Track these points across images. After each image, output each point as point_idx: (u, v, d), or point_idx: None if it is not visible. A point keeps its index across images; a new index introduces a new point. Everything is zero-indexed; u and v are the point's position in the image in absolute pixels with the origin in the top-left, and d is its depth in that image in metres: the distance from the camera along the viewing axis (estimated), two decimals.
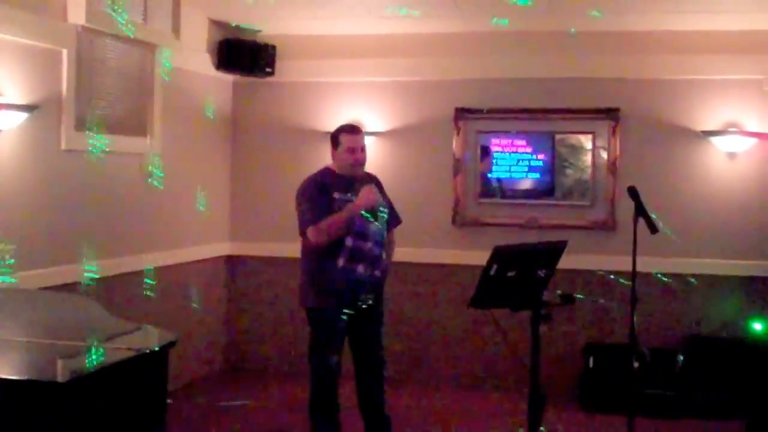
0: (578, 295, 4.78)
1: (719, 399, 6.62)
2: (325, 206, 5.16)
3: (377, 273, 5.29)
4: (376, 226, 5.24)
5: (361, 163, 5.35)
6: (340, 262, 5.17)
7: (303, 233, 5.25)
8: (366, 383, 5.47)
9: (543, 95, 7.29)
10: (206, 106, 7.33)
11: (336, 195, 5.21)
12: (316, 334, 5.33)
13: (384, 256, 5.34)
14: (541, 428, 4.53)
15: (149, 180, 6.53)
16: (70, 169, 5.72)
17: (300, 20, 7.36)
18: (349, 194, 5.22)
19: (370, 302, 5.33)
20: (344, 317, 5.24)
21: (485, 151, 7.44)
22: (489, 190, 7.46)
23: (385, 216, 5.36)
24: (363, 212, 5.15)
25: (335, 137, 5.41)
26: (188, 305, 7.19)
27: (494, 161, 7.41)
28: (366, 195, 5.15)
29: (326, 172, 5.42)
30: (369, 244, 5.22)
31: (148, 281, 6.43)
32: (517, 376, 6.86)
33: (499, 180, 7.44)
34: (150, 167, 6.55)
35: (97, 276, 5.87)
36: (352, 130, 5.46)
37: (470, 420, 6.58)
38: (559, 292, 4.69)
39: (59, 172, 5.63)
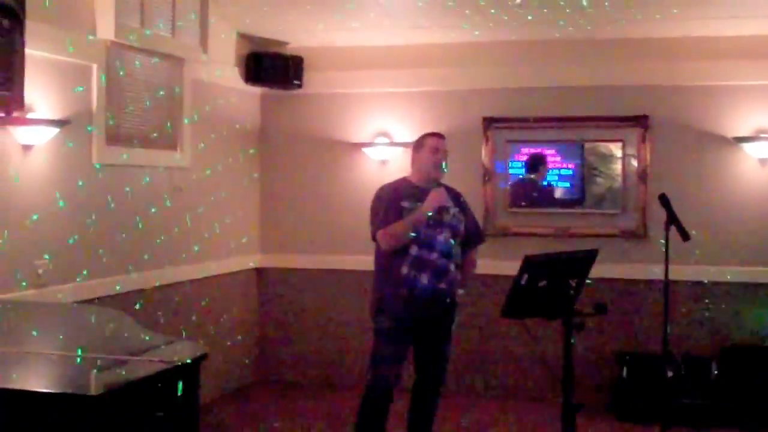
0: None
1: (754, 408, 6.54)
2: (394, 212, 5.18)
3: (442, 285, 5.20)
4: (444, 237, 5.20)
5: (440, 164, 5.31)
6: (404, 270, 5.15)
7: (374, 239, 5.28)
8: (421, 400, 5.44)
9: (571, 103, 7.27)
10: (235, 119, 7.37)
11: (405, 204, 5.21)
12: (378, 341, 5.28)
13: (452, 269, 5.24)
14: None
15: (179, 193, 6.56)
16: (100, 183, 5.75)
17: (327, 32, 7.38)
18: (419, 203, 5.19)
19: (436, 315, 5.27)
20: (409, 330, 5.22)
21: (539, 160, 7.40)
22: (528, 198, 7.43)
23: (455, 223, 5.30)
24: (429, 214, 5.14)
25: (419, 141, 5.45)
26: (219, 318, 7.21)
27: (548, 171, 7.39)
28: (433, 196, 5.14)
29: (401, 180, 5.45)
30: (434, 255, 5.17)
31: (179, 294, 6.46)
32: (551, 386, 6.82)
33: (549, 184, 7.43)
34: (179, 181, 6.58)
35: (127, 289, 5.92)
36: (438, 134, 5.49)
37: (504, 431, 6.54)
38: (591, 301, 4.66)
39: (90, 186, 5.66)
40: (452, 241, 5.25)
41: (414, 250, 5.15)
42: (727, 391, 6.66)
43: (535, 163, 7.41)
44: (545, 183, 7.42)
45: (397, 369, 5.23)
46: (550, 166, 7.38)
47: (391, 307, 5.21)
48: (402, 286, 5.16)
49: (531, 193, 7.43)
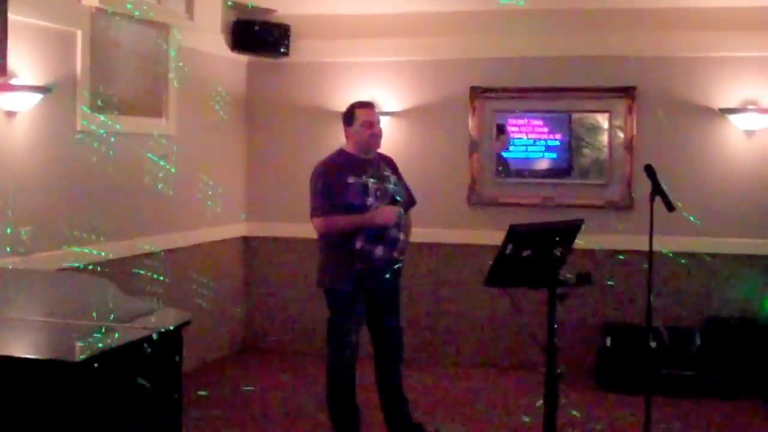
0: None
1: (737, 379, 6.59)
2: (337, 193, 5.11)
3: (396, 255, 5.25)
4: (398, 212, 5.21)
5: (378, 136, 5.27)
6: (358, 243, 5.13)
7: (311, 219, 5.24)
8: (385, 366, 5.46)
9: (559, 74, 7.25)
10: (221, 87, 7.33)
11: (350, 179, 5.13)
12: (333, 315, 5.30)
13: (402, 237, 5.29)
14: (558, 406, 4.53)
15: (164, 161, 6.54)
16: (85, 151, 5.73)
17: (314, 0, 7.33)
18: (363, 177, 5.15)
19: (389, 285, 5.31)
20: (362, 299, 5.24)
21: (501, 130, 7.40)
22: (504, 169, 7.42)
23: (398, 191, 5.31)
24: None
25: (349, 113, 5.32)
26: (204, 286, 7.21)
27: (510, 140, 7.37)
28: (385, 215, 5.10)
29: (340, 153, 5.34)
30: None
31: (163, 262, 6.45)
32: (534, 355, 6.85)
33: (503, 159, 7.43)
34: (165, 148, 6.55)
35: (112, 257, 5.91)
36: (367, 104, 5.41)
37: (487, 399, 6.58)
38: (575, 271, 4.67)
39: (74, 153, 5.64)
40: (401, 211, 5.26)
41: None
42: (711, 361, 6.70)
43: (498, 132, 7.41)
44: (506, 153, 7.41)
45: (356, 337, 5.24)
46: (512, 135, 7.38)
47: (345, 280, 5.19)
48: (357, 259, 5.14)
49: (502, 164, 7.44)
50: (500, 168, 7.41)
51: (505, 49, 7.35)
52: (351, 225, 5.09)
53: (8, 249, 5.08)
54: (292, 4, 7.44)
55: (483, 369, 7.32)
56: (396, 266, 5.31)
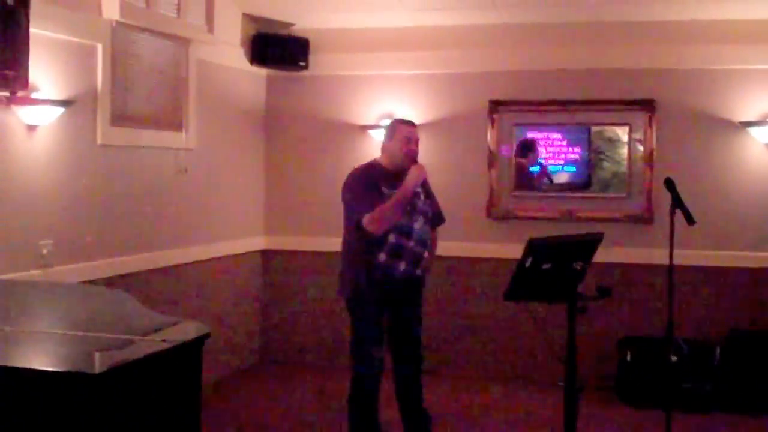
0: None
1: (758, 393, 6.54)
2: (374, 197, 5.09)
3: (418, 272, 5.26)
4: (419, 224, 5.21)
5: (414, 155, 5.24)
6: (382, 257, 5.13)
7: (353, 224, 5.15)
8: (404, 380, 5.44)
9: (578, 87, 7.24)
10: (240, 101, 7.36)
11: (384, 189, 5.12)
12: (355, 325, 5.30)
13: (426, 255, 5.29)
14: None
15: (184, 175, 6.56)
16: (105, 164, 5.76)
17: (333, 13, 7.36)
18: (395, 190, 5.11)
19: (410, 296, 5.32)
20: (383, 312, 5.23)
21: (529, 145, 7.39)
22: (530, 182, 7.41)
23: (426, 209, 5.32)
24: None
25: (391, 127, 5.38)
26: (224, 299, 7.22)
27: (539, 154, 7.37)
28: (416, 172, 5.08)
29: (374, 165, 5.36)
30: (412, 243, 5.17)
31: (183, 276, 6.47)
32: (554, 369, 6.82)
33: (542, 166, 7.39)
34: (185, 162, 6.58)
35: (132, 270, 5.93)
36: (410, 123, 5.45)
37: (506, 413, 6.55)
38: (595, 284, 4.65)
39: (95, 167, 5.67)
40: (427, 228, 5.28)
41: (393, 237, 5.12)
42: (731, 376, 6.65)
43: (525, 148, 7.40)
44: (536, 168, 7.40)
45: (380, 351, 5.25)
46: (541, 151, 7.36)
47: (369, 294, 5.19)
48: (380, 273, 5.15)
49: (525, 177, 7.42)
50: (525, 182, 7.41)
51: (524, 62, 7.35)
52: (396, 205, 5.03)
53: (29, 263, 5.10)
54: (311, 18, 7.46)
55: (502, 383, 7.29)
56: (419, 284, 5.33)
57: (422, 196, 5.32)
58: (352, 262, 5.27)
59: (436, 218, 5.47)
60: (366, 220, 5.05)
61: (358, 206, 5.12)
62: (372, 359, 5.22)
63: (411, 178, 5.07)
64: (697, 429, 6.09)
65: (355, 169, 5.35)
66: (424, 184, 5.37)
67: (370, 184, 5.16)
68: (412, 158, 5.21)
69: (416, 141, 5.31)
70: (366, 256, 5.15)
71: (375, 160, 5.41)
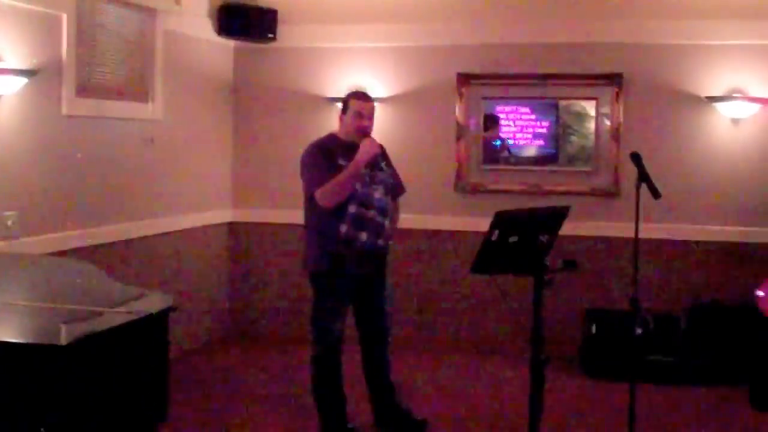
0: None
1: (722, 365, 6.62)
2: (330, 171, 5.10)
3: (381, 242, 5.26)
4: (380, 194, 5.21)
5: (366, 131, 5.23)
6: (343, 228, 5.13)
7: (308, 197, 5.20)
8: (371, 352, 5.47)
9: (546, 61, 7.25)
10: (208, 72, 7.30)
11: (341, 161, 5.13)
12: (319, 299, 5.30)
13: (387, 224, 5.29)
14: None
15: (151, 146, 6.52)
16: (70, 135, 5.70)
17: None
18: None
19: (374, 268, 5.32)
20: (346, 285, 5.24)
21: (493, 119, 7.39)
22: (496, 155, 7.42)
23: (387, 179, 5.33)
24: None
25: (346, 101, 5.36)
26: (192, 272, 7.20)
27: (501, 129, 7.37)
28: (366, 147, 5.08)
29: (331, 137, 5.37)
30: (372, 212, 5.18)
31: (149, 247, 6.44)
32: (520, 341, 6.87)
33: (502, 141, 7.40)
34: (151, 133, 6.53)
35: (98, 242, 5.90)
36: (363, 96, 5.42)
37: (473, 385, 6.60)
38: (561, 257, 4.68)
39: (60, 138, 5.62)
40: (388, 199, 5.29)
41: (353, 208, 5.12)
42: (695, 348, 6.73)
43: (488, 123, 7.42)
44: (497, 142, 7.42)
45: (341, 323, 5.25)
46: (502, 126, 7.39)
47: (330, 266, 5.20)
48: (342, 244, 5.15)
49: (492, 150, 7.44)
50: (489, 155, 7.42)
51: (493, 35, 7.34)
52: (346, 179, 5.04)
53: None
54: None
55: (469, 355, 7.33)
56: (382, 254, 5.34)
57: (383, 167, 5.32)
58: (314, 235, 5.28)
59: (396, 189, 5.47)
60: (318, 194, 5.09)
61: (312, 180, 5.16)
62: (331, 333, 5.23)
63: (361, 153, 5.07)
64: (661, 401, 6.17)
65: (311, 143, 5.35)
66: (384, 155, 5.37)
67: (326, 157, 5.17)
68: (363, 132, 5.21)
69: (369, 116, 5.29)
70: (327, 228, 5.16)
71: (333, 132, 5.42)
